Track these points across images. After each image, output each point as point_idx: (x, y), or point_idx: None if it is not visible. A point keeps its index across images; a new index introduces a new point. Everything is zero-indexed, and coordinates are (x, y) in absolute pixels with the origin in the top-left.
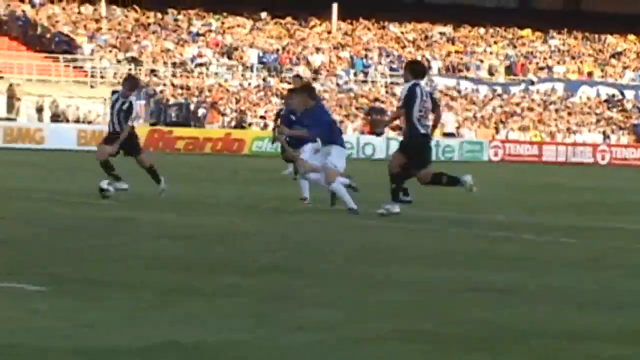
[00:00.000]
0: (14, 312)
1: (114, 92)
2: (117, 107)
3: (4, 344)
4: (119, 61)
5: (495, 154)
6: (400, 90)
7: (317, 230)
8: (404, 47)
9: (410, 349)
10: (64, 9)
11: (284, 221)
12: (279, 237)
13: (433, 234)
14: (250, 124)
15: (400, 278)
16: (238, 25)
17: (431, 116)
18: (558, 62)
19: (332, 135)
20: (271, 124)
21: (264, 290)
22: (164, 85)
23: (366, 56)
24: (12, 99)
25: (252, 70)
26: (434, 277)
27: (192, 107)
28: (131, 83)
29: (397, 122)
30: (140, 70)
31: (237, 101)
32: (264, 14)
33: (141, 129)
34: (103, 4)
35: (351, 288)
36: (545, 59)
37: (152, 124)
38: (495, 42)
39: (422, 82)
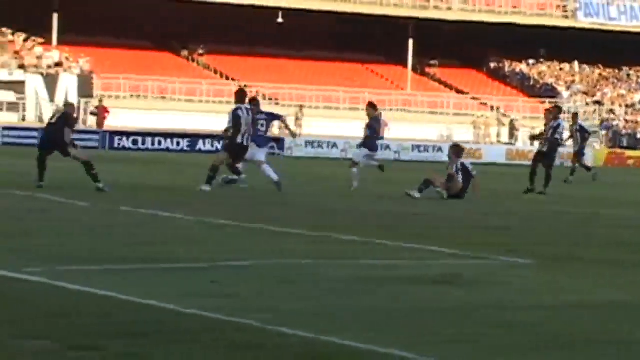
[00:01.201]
0: (509, 279)
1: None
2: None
3: (528, 302)
4: (587, 104)
5: None
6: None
7: None
8: None
9: None
10: (549, 67)
11: None
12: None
13: None
14: None
15: None
16: None
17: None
18: None
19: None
20: None
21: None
22: (619, 120)
23: None
24: (512, 130)
25: None
26: None
27: (638, 135)
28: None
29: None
30: (602, 109)
31: None
32: None
33: (600, 151)
34: (576, 63)
35: None
36: None
37: (610, 147)
38: None
39: (243, 105)
